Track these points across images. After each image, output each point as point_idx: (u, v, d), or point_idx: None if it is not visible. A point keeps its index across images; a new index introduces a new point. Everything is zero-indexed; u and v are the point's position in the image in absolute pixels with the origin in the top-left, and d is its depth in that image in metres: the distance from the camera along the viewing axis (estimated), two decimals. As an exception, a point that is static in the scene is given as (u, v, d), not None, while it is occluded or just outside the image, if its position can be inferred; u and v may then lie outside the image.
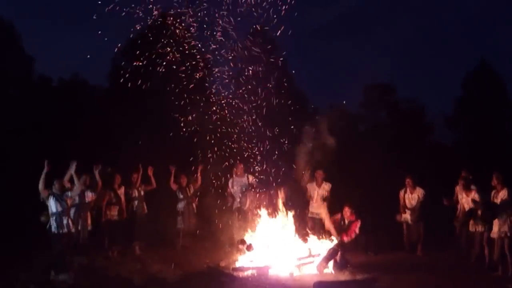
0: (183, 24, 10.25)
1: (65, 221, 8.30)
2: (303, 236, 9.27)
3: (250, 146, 10.38)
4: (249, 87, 10.64)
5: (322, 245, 8.95)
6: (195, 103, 10.70)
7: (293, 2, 9.58)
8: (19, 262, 8.30)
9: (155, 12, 9.62)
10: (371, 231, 10.05)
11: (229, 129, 10.58)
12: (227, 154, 10.48)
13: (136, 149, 12.57)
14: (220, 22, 9.90)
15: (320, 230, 9.74)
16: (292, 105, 11.33)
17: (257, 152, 10.37)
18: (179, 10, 9.90)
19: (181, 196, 10.68)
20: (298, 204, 10.17)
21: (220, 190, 10.74)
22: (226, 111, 10.76)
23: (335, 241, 9.04)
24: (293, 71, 18.62)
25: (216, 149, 10.43)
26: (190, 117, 10.58)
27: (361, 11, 72.43)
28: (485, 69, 24.45)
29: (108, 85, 18.77)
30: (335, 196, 10.49)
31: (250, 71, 10.77)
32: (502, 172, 8.46)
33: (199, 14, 9.84)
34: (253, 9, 9.73)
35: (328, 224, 9.67)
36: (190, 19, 9.90)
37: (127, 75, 10.99)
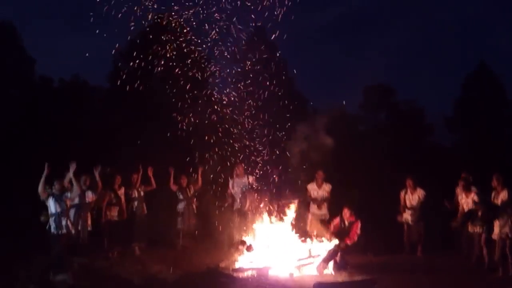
0: (182, 24, 10.26)
1: (64, 222, 8.30)
2: (303, 237, 9.26)
3: (250, 143, 10.38)
4: (250, 88, 10.65)
5: (322, 246, 8.94)
6: (194, 103, 10.71)
7: (289, 3, 9.62)
8: (19, 262, 8.28)
9: (150, 15, 9.62)
10: (371, 232, 10.04)
11: (230, 128, 10.58)
12: (228, 153, 10.48)
13: (136, 150, 12.58)
14: (219, 22, 9.91)
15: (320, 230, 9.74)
16: (292, 105, 11.34)
17: (255, 152, 10.38)
18: (176, 9, 9.91)
19: (181, 197, 10.68)
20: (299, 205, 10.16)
21: (220, 188, 10.76)
22: (226, 110, 10.78)
23: (335, 242, 9.04)
24: (294, 71, 18.53)
25: (216, 149, 10.44)
26: (189, 117, 10.60)
27: (361, 12, 72.54)
28: (484, 69, 24.50)
29: (109, 86, 18.78)
30: (334, 197, 10.50)
31: (250, 74, 10.80)
32: (502, 173, 8.48)
33: (200, 15, 9.86)
34: (252, 8, 9.76)
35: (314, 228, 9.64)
36: (191, 18, 9.91)
37: (126, 76, 11.01)
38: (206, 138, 10.62)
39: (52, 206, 8.28)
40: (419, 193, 10.11)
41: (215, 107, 10.79)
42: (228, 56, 10.33)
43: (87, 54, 10.86)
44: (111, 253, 9.53)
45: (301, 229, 9.77)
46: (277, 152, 10.33)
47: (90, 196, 9.29)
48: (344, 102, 13.44)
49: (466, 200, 8.97)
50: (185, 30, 10.26)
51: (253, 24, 9.99)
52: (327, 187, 10.54)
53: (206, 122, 10.67)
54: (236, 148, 10.42)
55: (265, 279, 8.02)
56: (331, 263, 8.62)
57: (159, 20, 10.35)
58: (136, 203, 10.30)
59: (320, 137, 10.19)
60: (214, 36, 9.92)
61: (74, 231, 8.78)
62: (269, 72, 11.16)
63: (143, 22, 9.68)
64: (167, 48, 10.30)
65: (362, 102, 24.40)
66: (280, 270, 8.40)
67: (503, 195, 8.19)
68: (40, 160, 8.18)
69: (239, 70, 11.04)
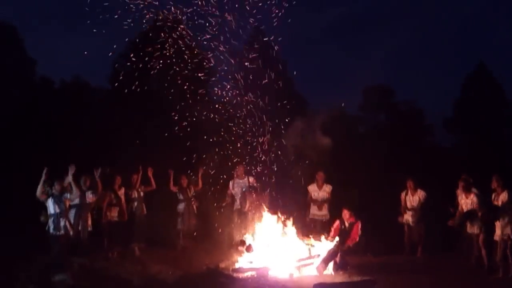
0: (180, 19, 10.26)
1: (62, 223, 8.33)
2: (304, 238, 9.27)
3: (250, 139, 10.37)
4: (249, 91, 10.66)
5: (322, 247, 8.94)
6: (193, 102, 10.71)
7: (287, 5, 9.63)
8: (19, 262, 8.28)
9: (148, 15, 9.61)
10: (371, 232, 10.05)
11: (230, 124, 10.57)
12: (229, 151, 10.47)
13: (136, 150, 12.59)
14: (217, 18, 9.90)
15: (320, 231, 9.74)
16: (291, 105, 11.35)
17: (255, 148, 10.38)
18: (176, 9, 9.91)
19: (181, 197, 10.68)
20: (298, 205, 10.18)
21: (218, 186, 10.76)
22: (225, 110, 10.79)
23: (335, 242, 9.04)
24: (294, 72, 18.55)
25: (217, 149, 10.44)
26: (188, 116, 10.60)
27: (360, 13, 72.62)
28: (484, 70, 24.56)
29: (110, 87, 18.80)
30: (335, 197, 10.51)
31: (250, 73, 10.79)
32: (501, 174, 8.47)
33: (200, 13, 9.86)
34: (251, 8, 9.76)
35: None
36: (189, 15, 9.90)
37: (125, 77, 11.01)
38: (205, 137, 10.61)
39: (51, 206, 8.30)
40: (420, 194, 10.11)
41: (216, 106, 10.79)
42: (227, 54, 10.35)
43: (85, 52, 10.82)
44: (111, 254, 9.52)
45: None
46: (275, 144, 10.30)
47: (90, 196, 9.29)
48: (343, 104, 13.44)
49: (466, 201, 8.94)
50: (183, 27, 10.23)
51: (252, 21, 9.94)
52: (327, 188, 10.55)
53: (204, 118, 10.65)
54: (239, 145, 10.38)
55: (264, 280, 8.01)
56: (331, 264, 8.61)
57: (158, 17, 10.35)
58: (136, 203, 10.30)
59: (316, 135, 10.19)
60: (214, 31, 9.92)
61: (75, 232, 8.79)
62: (268, 71, 11.16)
63: (144, 21, 9.67)
64: (166, 45, 10.30)
65: (362, 103, 24.50)
66: (280, 271, 8.39)
67: (503, 197, 8.17)
68: (40, 160, 8.20)
69: (239, 73, 11.03)
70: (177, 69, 10.51)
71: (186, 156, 10.86)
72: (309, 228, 10.13)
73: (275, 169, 10.31)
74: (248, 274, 8.29)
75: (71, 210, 8.81)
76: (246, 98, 10.53)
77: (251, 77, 10.82)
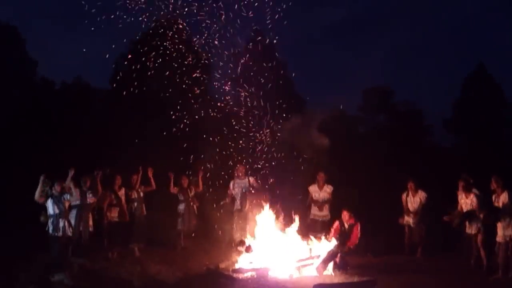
0: (182, 26, 10.27)
1: (61, 224, 8.33)
2: (304, 238, 9.27)
3: (252, 132, 10.37)
4: (250, 90, 10.66)
5: (323, 247, 8.95)
6: (194, 101, 10.72)
7: (284, 6, 9.63)
8: (19, 262, 8.29)
9: (144, 15, 9.62)
10: (371, 233, 10.05)
11: (233, 123, 10.58)
12: (230, 150, 10.47)
13: (136, 150, 12.59)
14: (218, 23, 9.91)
15: (321, 232, 9.74)
16: (290, 105, 11.35)
17: (254, 148, 10.39)
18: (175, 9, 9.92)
19: (182, 198, 10.68)
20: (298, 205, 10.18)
21: (218, 185, 10.76)
22: (226, 106, 10.80)
23: (334, 243, 9.04)
24: (293, 74, 18.57)
25: (217, 149, 10.44)
26: (188, 115, 10.60)
27: (360, 15, 72.64)
28: (483, 71, 24.61)
29: (110, 88, 18.82)
30: (335, 198, 10.52)
31: (250, 75, 10.81)
32: (501, 174, 8.45)
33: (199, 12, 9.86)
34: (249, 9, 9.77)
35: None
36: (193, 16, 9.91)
37: (125, 77, 11.01)
38: (205, 136, 10.62)
39: (50, 207, 8.31)
40: (421, 195, 10.11)
41: (218, 104, 10.79)
42: (226, 53, 10.36)
43: (84, 50, 10.88)
44: (111, 254, 9.53)
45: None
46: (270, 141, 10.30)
47: (90, 197, 9.30)
48: (341, 106, 13.44)
49: (465, 201, 8.94)
50: (180, 23, 10.23)
51: (252, 14, 9.94)
52: (328, 189, 10.55)
53: (203, 114, 10.65)
54: (241, 141, 10.38)
55: (264, 280, 8.02)
56: (331, 264, 8.62)
57: (157, 17, 10.36)
58: (135, 203, 10.29)
59: (312, 133, 10.19)
60: (214, 28, 9.91)
61: (76, 232, 8.80)
62: (268, 71, 11.17)
63: (144, 19, 9.68)
64: (165, 43, 10.30)
65: (362, 104, 24.53)
66: (280, 271, 8.39)
67: (503, 197, 8.15)
68: (40, 160, 8.21)
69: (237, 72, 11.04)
70: (175, 64, 10.50)
71: (186, 156, 10.87)
72: (310, 228, 10.13)
73: (273, 163, 10.30)
74: (248, 274, 8.29)
75: (72, 211, 8.82)
76: (246, 94, 10.54)
77: (251, 74, 10.83)
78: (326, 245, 8.95)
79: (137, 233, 10.16)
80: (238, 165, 10.51)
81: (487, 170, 8.89)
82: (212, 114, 10.81)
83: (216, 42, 10.04)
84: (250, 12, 9.71)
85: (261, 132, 10.41)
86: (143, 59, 10.70)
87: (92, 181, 9.32)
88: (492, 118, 23.56)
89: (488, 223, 8.41)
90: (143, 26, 9.86)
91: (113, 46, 10.39)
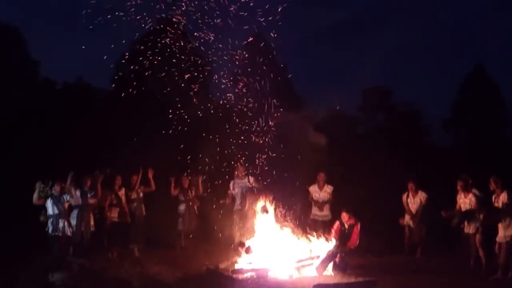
0: (181, 26, 10.25)
1: (61, 224, 8.35)
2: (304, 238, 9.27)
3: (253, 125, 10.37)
4: (248, 93, 10.66)
5: (322, 247, 8.95)
6: (194, 99, 10.72)
7: (281, 8, 9.62)
8: (19, 262, 8.29)
9: (140, 16, 9.61)
10: (371, 233, 10.06)
11: (234, 119, 10.57)
12: (233, 149, 10.45)
13: (137, 150, 12.57)
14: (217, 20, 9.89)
15: (321, 232, 9.74)
16: (289, 105, 11.35)
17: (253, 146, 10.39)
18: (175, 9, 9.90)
19: (183, 198, 10.69)
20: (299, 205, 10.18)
21: (218, 184, 10.75)
22: (226, 107, 10.81)
23: (334, 243, 9.05)
24: (290, 76, 18.52)
25: (218, 149, 10.44)
26: (187, 113, 10.60)
27: (360, 15, 72.68)
28: (481, 71, 24.69)
29: (111, 89, 18.82)
30: (335, 198, 10.52)
31: (249, 73, 10.80)
32: (499, 174, 8.46)
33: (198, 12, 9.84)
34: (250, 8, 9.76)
35: None
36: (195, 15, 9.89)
37: (125, 78, 10.99)
38: (204, 134, 10.61)
39: (50, 207, 8.33)
40: (421, 196, 10.12)
41: (221, 102, 10.80)
42: (225, 52, 10.36)
43: (83, 47, 10.88)
44: (111, 254, 9.53)
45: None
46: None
47: (91, 197, 9.29)
48: (338, 107, 13.43)
49: (464, 200, 8.95)
50: (178, 19, 10.21)
51: (248, 12, 9.92)
52: (328, 189, 10.55)
53: (201, 115, 10.65)
54: (241, 138, 10.36)
55: (264, 281, 8.02)
56: (330, 264, 8.62)
57: (157, 21, 10.36)
58: (135, 204, 10.29)
59: (308, 131, 10.18)
60: (212, 23, 9.91)
61: (78, 232, 8.80)
62: (267, 71, 11.16)
63: (146, 18, 9.67)
64: (164, 41, 10.29)
65: (361, 104, 24.55)
66: (280, 272, 8.39)
67: (503, 197, 8.14)
68: (41, 160, 8.21)
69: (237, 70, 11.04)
70: (174, 60, 10.49)
71: (186, 156, 10.86)
72: (310, 228, 10.13)
73: (271, 162, 10.29)
74: (248, 275, 8.29)
75: (73, 211, 8.84)
76: (245, 90, 10.54)
77: (249, 70, 10.82)
78: (326, 245, 8.95)
79: (136, 233, 10.16)
80: (238, 165, 10.50)
81: (486, 170, 8.91)
82: (212, 111, 10.80)
83: (212, 37, 10.04)
84: (246, 14, 9.71)
85: (259, 128, 10.39)
86: (141, 58, 10.68)
87: (93, 181, 9.32)
88: (490, 118, 23.65)
89: (488, 223, 8.42)
90: (143, 25, 9.85)
91: (112, 46, 10.40)
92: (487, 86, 24.16)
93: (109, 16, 9.25)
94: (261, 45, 11.55)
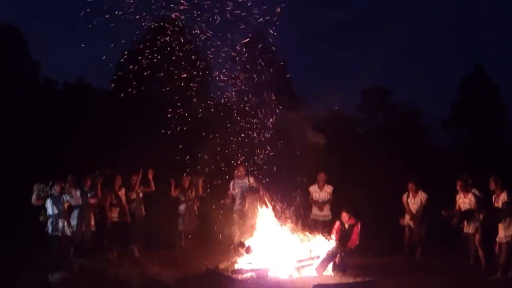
0: (180, 23, 10.24)
1: (60, 224, 8.35)
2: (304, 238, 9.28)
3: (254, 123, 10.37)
4: (248, 91, 10.65)
5: (322, 247, 8.95)
6: (194, 97, 10.72)
7: (279, 8, 9.62)
8: (19, 262, 8.29)
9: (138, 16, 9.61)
10: (371, 233, 10.06)
11: (235, 116, 10.57)
12: (233, 147, 10.45)
13: (136, 151, 12.58)
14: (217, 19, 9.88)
15: (321, 232, 9.74)
16: (288, 105, 11.35)
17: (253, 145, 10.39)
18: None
19: (183, 198, 10.69)
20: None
21: (218, 184, 10.74)
22: (225, 109, 10.81)
23: (334, 243, 9.05)
24: (289, 75, 18.52)
25: (218, 148, 10.44)
26: (187, 112, 10.60)
27: (359, 15, 72.65)
28: (480, 71, 24.74)
29: (111, 89, 18.83)
30: (335, 198, 10.52)
31: (248, 75, 10.80)
32: (499, 174, 8.45)
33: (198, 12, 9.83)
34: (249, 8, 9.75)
35: None
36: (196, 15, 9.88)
37: (124, 78, 10.99)
38: (204, 134, 10.61)
39: (49, 207, 8.33)
40: (421, 196, 10.11)
41: (222, 101, 10.79)
42: (225, 49, 10.35)
43: (82, 45, 10.87)
44: (111, 255, 9.53)
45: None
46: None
47: (91, 197, 9.28)
48: (337, 107, 13.42)
49: (464, 200, 8.95)
50: (176, 15, 10.21)
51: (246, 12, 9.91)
52: (328, 189, 10.55)
53: (199, 115, 10.64)
54: (242, 135, 10.35)
55: (264, 281, 8.02)
56: (330, 265, 8.62)
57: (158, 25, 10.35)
58: (135, 204, 10.29)
59: (306, 130, 10.17)
60: (211, 21, 9.89)
61: (78, 232, 8.80)
62: (267, 67, 11.15)
63: (147, 17, 9.67)
64: (163, 39, 10.29)
65: (361, 104, 24.57)
66: (280, 272, 8.39)
67: (503, 197, 8.14)
68: (41, 160, 8.22)
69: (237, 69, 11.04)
70: (174, 58, 10.48)
71: (186, 156, 10.86)
72: (311, 228, 10.13)
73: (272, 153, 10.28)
74: (248, 275, 8.29)
75: (74, 211, 8.84)
76: (244, 88, 10.53)
77: (248, 69, 10.82)
78: (326, 245, 8.95)
79: (136, 233, 10.16)
80: (238, 165, 10.50)
81: (486, 170, 8.91)
82: (212, 110, 10.79)
83: (210, 34, 10.04)
84: (244, 14, 9.70)
85: (258, 122, 10.39)
86: (140, 57, 10.68)
87: (93, 181, 9.32)
88: (490, 118, 23.68)
89: (488, 223, 8.42)
90: (142, 24, 9.85)
91: (111, 45, 10.39)
92: (487, 86, 24.22)
93: (107, 16, 9.26)
94: (259, 46, 11.54)
